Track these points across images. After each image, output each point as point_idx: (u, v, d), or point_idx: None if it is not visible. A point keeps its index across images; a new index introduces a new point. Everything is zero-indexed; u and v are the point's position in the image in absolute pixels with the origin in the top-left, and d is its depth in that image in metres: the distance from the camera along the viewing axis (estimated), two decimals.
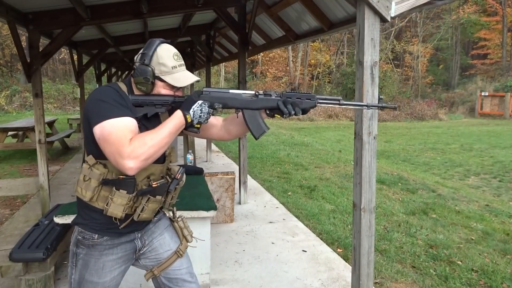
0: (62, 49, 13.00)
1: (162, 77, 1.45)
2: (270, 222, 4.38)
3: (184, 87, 1.51)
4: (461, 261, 3.53)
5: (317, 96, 1.48)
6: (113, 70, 13.54)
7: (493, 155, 10.27)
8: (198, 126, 1.44)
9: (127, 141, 1.29)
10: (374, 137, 2.15)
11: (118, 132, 1.30)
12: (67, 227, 3.17)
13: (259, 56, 26.94)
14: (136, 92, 1.49)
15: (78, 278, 1.53)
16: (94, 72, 11.03)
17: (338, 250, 3.68)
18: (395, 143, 12.77)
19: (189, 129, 1.43)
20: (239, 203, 5.01)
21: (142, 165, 1.31)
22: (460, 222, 4.61)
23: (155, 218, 1.65)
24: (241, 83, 5.00)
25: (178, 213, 1.77)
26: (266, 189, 5.81)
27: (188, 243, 1.71)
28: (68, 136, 9.49)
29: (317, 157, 8.74)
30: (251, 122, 1.47)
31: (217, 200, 4.22)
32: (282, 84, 26.92)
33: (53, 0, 3.78)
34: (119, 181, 1.41)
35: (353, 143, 2.22)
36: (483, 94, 23.31)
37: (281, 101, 1.45)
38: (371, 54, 2.08)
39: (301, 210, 4.85)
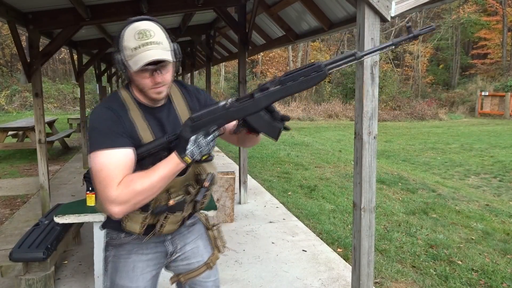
0: (62, 49, 13.01)
1: (126, 63, 1.24)
2: (270, 222, 4.38)
3: (155, 69, 1.24)
4: (461, 261, 3.53)
5: (325, 63, 1.18)
6: (113, 70, 13.54)
7: (493, 154, 10.27)
8: (206, 157, 1.24)
9: (115, 184, 1.18)
10: (374, 137, 2.15)
11: (107, 171, 1.19)
12: (67, 227, 3.17)
13: (259, 56, 26.93)
14: (135, 92, 1.34)
15: (110, 285, 1.44)
16: (94, 71, 11.03)
17: (338, 250, 3.68)
18: (395, 143, 12.77)
19: (200, 162, 1.27)
20: (239, 203, 5.01)
21: (130, 210, 1.22)
22: (460, 222, 4.61)
23: (189, 222, 1.54)
24: (241, 83, 5.00)
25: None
26: (266, 189, 5.81)
27: (220, 254, 1.62)
28: (68, 136, 9.49)
29: (317, 157, 8.74)
30: (261, 126, 1.22)
31: (217, 200, 4.22)
32: None
33: (53, 0, 3.78)
34: None
35: (353, 143, 2.22)
36: (483, 94, 23.29)
37: (281, 91, 1.18)
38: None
39: (301, 210, 4.85)
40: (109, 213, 1.21)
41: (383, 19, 2.08)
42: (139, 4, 4.04)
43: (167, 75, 1.28)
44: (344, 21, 3.94)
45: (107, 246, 1.46)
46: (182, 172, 1.32)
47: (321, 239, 3.92)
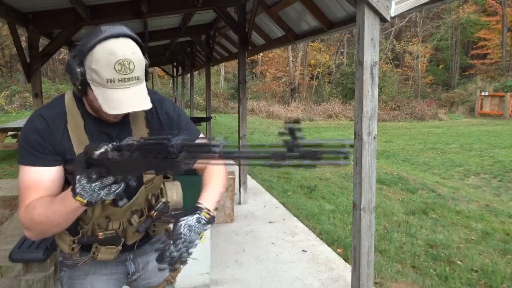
0: (62, 49, 13.01)
1: (93, 88, 1.03)
2: (270, 222, 4.38)
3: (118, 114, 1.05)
4: (461, 261, 3.53)
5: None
6: None
7: (493, 155, 10.27)
8: (108, 202, 1.02)
9: (23, 205, 1.08)
10: (374, 137, 2.15)
11: (21, 189, 1.10)
12: None
13: (259, 56, 26.95)
14: (87, 104, 1.16)
15: None
16: None
17: (338, 250, 3.68)
18: (395, 143, 12.77)
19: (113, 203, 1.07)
20: (239, 203, 5.01)
21: (41, 237, 1.11)
22: (460, 222, 4.61)
23: (154, 239, 1.40)
24: (241, 83, 5.01)
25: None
26: (266, 189, 5.81)
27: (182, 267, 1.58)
28: None
29: None
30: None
31: None
32: (282, 84, 26.92)
33: (53, 0, 3.78)
34: (100, 239, 1.21)
35: (353, 143, 2.22)
36: (483, 94, 23.32)
37: None
38: (371, 54, 2.08)
39: (301, 210, 4.85)
40: None
41: (382, 19, 2.08)
42: (139, 4, 4.04)
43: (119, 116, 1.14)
44: (344, 21, 3.94)
45: (62, 265, 1.31)
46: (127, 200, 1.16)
47: (321, 239, 3.92)
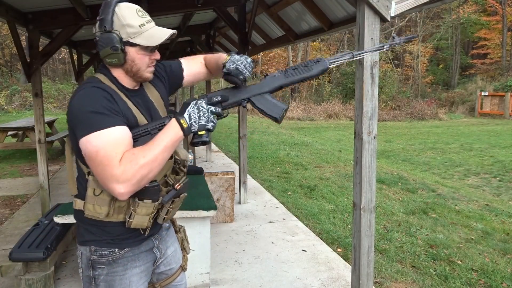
0: (62, 49, 13.01)
1: (132, 41, 1.22)
2: (270, 222, 4.38)
3: (157, 46, 1.29)
4: (461, 261, 3.53)
5: (327, 58, 1.30)
6: None
7: (493, 154, 10.27)
8: (203, 133, 1.21)
9: (116, 162, 1.11)
10: (374, 137, 2.15)
11: (106, 149, 1.11)
12: (67, 227, 3.17)
13: (259, 56, 26.91)
14: (114, 73, 1.28)
15: None
16: (94, 71, 11.04)
17: (338, 249, 3.69)
18: (395, 142, 12.77)
19: (196, 140, 1.23)
20: (239, 202, 5.01)
21: (136, 189, 1.15)
22: (460, 222, 4.61)
23: (167, 225, 1.53)
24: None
25: (179, 213, 1.75)
26: (266, 188, 5.81)
27: (188, 255, 1.65)
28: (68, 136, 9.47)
29: (317, 157, 8.74)
30: (265, 106, 1.36)
31: (217, 199, 4.23)
32: None
33: (53, 0, 3.78)
34: (142, 190, 1.20)
35: (353, 143, 2.22)
36: (483, 93, 23.29)
37: (284, 75, 1.36)
38: (371, 54, 2.08)
39: (301, 209, 4.85)
40: (114, 195, 1.14)
41: (383, 19, 2.08)
42: (139, 4, 4.04)
43: (156, 53, 1.34)
44: (344, 21, 3.94)
45: (96, 264, 1.31)
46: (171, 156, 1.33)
47: (321, 239, 3.92)
